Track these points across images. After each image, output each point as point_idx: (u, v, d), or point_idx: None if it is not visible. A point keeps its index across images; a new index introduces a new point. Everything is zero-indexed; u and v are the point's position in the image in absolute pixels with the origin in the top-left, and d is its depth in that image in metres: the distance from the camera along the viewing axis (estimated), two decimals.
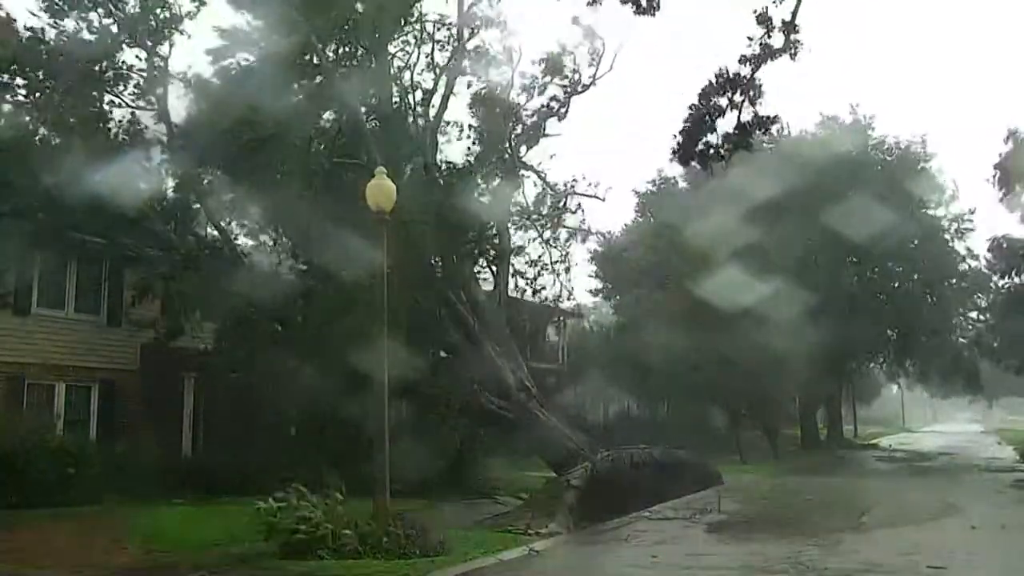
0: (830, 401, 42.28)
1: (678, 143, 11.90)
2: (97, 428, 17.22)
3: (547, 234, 24.73)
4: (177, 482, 15.25)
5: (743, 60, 11.47)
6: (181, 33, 17.76)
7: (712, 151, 11.83)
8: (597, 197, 24.36)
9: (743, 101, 11.52)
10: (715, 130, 11.72)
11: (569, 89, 22.51)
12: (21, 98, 16.00)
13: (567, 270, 25.45)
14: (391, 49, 20.12)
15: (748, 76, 11.49)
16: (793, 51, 11.24)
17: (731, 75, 11.47)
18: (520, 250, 23.78)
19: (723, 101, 11.58)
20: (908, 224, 31.63)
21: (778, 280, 23.90)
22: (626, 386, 32.14)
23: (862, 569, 9.44)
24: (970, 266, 36.66)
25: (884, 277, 36.02)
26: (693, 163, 12.20)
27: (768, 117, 11.65)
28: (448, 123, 21.18)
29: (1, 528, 11.27)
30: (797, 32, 11.21)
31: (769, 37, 11.19)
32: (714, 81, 11.49)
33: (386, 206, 11.13)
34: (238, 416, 18.57)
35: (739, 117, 11.56)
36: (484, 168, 21.37)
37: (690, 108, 11.71)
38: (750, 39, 11.31)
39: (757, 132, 11.83)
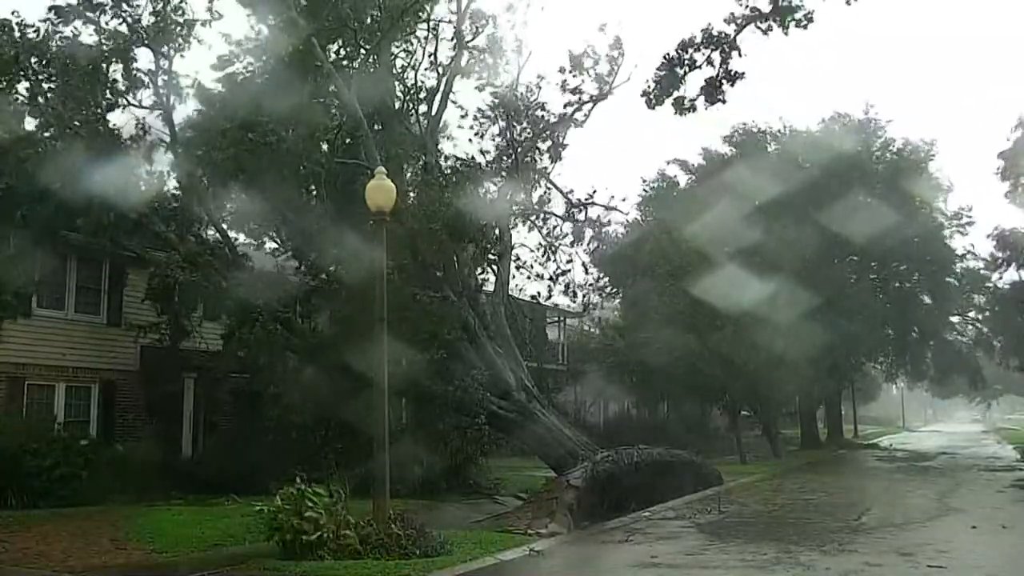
0: (830, 401, 42.27)
1: (650, 87, 12.62)
2: (97, 428, 17.27)
3: (546, 231, 24.43)
4: (177, 482, 15.29)
5: (729, 20, 12.08)
6: (190, 40, 17.58)
7: (686, 101, 12.59)
8: (617, 210, 24.37)
9: (721, 59, 12.23)
10: (684, 82, 12.57)
11: (589, 97, 22.17)
12: (23, 100, 15.94)
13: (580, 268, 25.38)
14: (394, 49, 20.11)
15: (731, 35, 12.13)
16: (782, 20, 11.70)
17: (715, 33, 12.12)
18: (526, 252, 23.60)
19: (699, 56, 12.26)
20: (909, 223, 31.61)
21: (778, 279, 23.89)
22: (626, 386, 32.12)
23: (862, 569, 9.44)
24: (968, 265, 36.66)
25: (884, 276, 36.01)
26: (661, 106, 12.87)
27: (737, 72, 12.34)
28: (457, 109, 21.20)
29: (1, 528, 11.29)
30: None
31: None
32: (698, 36, 12.22)
33: (386, 206, 11.13)
34: (238, 416, 18.61)
35: (721, 71, 12.29)
36: (487, 168, 21.31)
37: (665, 57, 12.41)
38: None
39: (726, 86, 12.50)
